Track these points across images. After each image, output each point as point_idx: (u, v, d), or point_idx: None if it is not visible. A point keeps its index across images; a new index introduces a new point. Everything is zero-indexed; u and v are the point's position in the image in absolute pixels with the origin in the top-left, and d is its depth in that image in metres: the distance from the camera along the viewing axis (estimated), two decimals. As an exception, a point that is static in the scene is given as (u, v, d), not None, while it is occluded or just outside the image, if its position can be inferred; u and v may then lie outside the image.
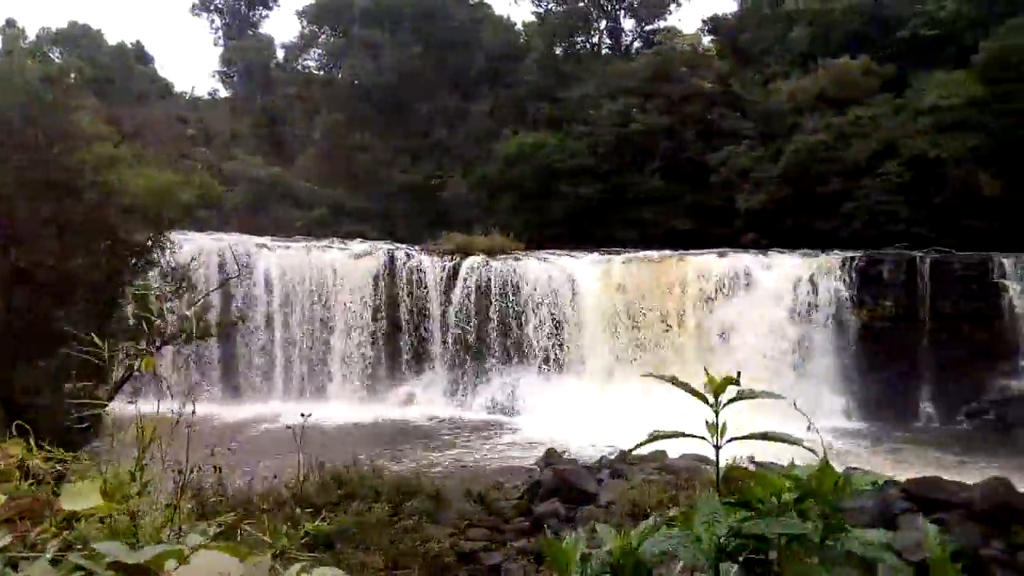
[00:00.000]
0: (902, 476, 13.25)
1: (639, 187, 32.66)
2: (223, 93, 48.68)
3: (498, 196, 35.50)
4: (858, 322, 22.90)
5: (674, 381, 1.92)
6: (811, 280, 23.60)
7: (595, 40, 42.53)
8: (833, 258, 24.12)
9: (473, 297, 25.00)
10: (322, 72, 45.81)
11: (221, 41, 49.65)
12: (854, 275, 23.34)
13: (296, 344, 25.02)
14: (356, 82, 42.24)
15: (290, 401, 23.26)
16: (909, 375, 22.54)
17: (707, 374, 1.85)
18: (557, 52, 40.74)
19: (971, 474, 13.98)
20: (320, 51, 46.07)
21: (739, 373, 1.89)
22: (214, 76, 53.03)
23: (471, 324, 24.92)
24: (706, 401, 1.82)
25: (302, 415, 4.73)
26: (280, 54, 47.11)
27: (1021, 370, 21.80)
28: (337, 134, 39.45)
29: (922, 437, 20.25)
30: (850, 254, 24.12)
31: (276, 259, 25.24)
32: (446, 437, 20.20)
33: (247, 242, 25.43)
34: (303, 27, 45.70)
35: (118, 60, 44.36)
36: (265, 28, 51.51)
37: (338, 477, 11.13)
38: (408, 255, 26.17)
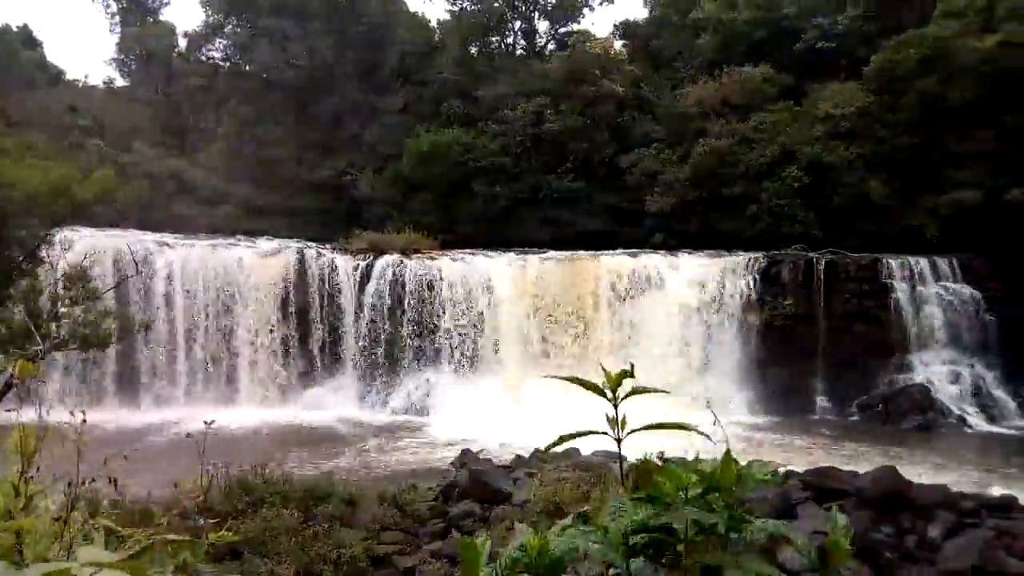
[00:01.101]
0: (800, 466, 13.95)
1: (553, 187, 33.06)
2: (120, 83, 46.16)
3: (412, 194, 35.18)
4: (760, 320, 23.93)
5: (573, 380, 1.95)
6: (717, 280, 24.51)
7: (510, 40, 42.77)
8: (737, 259, 25.12)
9: (387, 297, 24.69)
10: (228, 63, 44.11)
11: (117, 28, 47.03)
12: (756, 275, 24.39)
13: (201, 346, 24.04)
14: (264, 75, 40.93)
15: (195, 406, 22.34)
16: (806, 370, 23.75)
17: (603, 370, 1.89)
18: (472, 51, 40.72)
19: (862, 463, 14.85)
20: (226, 41, 44.30)
21: (632, 366, 1.94)
22: (110, 64, 50.21)
23: (385, 324, 24.60)
24: (605, 396, 1.86)
25: (205, 422, 4.53)
26: (183, 43, 45.05)
27: (907, 365, 23.32)
28: (244, 128, 38.11)
29: (818, 429, 21.36)
30: (753, 255, 25.20)
31: (179, 258, 24.17)
32: (360, 440, 19.86)
33: (146, 240, 24.25)
34: (207, 16, 43.86)
35: (1, 43, 41.41)
36: (166, 15, 49.23)
37: (245, 484, 10.77)
38: (319, 254, 25.60)
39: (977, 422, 21.62)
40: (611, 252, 27.20)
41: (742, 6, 34.92)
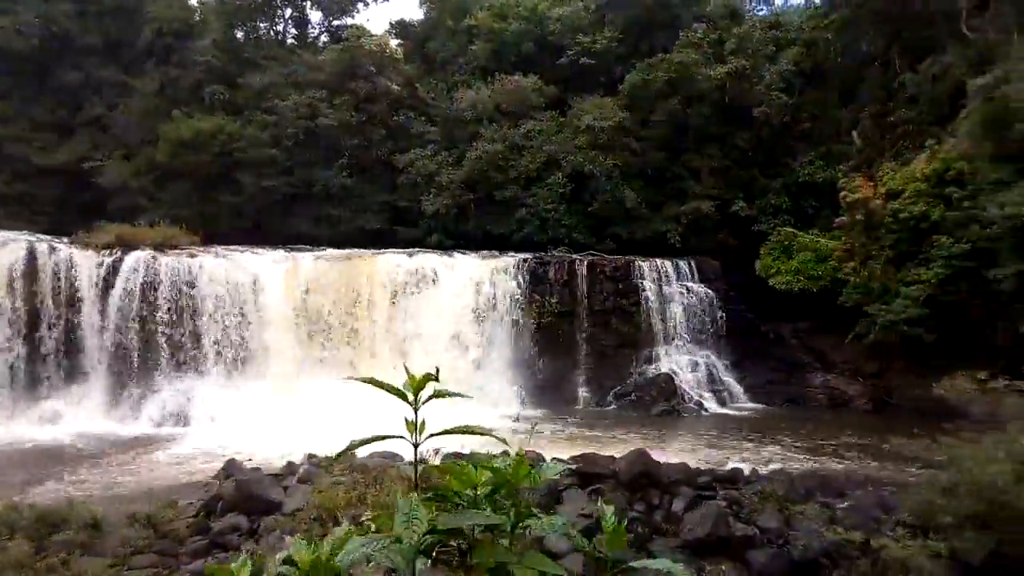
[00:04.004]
0: (565, 454, 14.87)
1: (327, 183, 32.11)
2: None
3: (168, 184, 32.25)
4: (529, 318, 25.17)
5: (375, 383, 1.89)
6: (490, 280, 25.36)
7: (280, 28, 40.80)
8: (508, 259, 26.19)
9: (138, 297, 22.34)
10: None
11: None
12: (526, 275, 25.61)
13: None
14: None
15: None
16: (570, 364, 25.42)
17: (407, 372, 1.85)
18: (238, 35, 38.25)
19: (619, 448, 16.19)
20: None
21: (437, 369, 1.92)
22: None
23: (136, 327, 22.25)
24: (407, 400, 1.82)
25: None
26: None
27: (654, 357, 25.85)
28: (-44, 100, 32.46)
29: (581, 418, 22.92)
30: (522, 256, 26.45)
31: None
32: (105, 456, 17.74)
33: None
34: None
35: None
36: None
37: (-43, 516, 9.17)
38: (53, 248, 22.50)
39: (712, 405, 24.56)
40: (388, 251, 27.04)
41: (512, 17, 36.47)
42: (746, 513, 12.44)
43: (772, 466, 15.77)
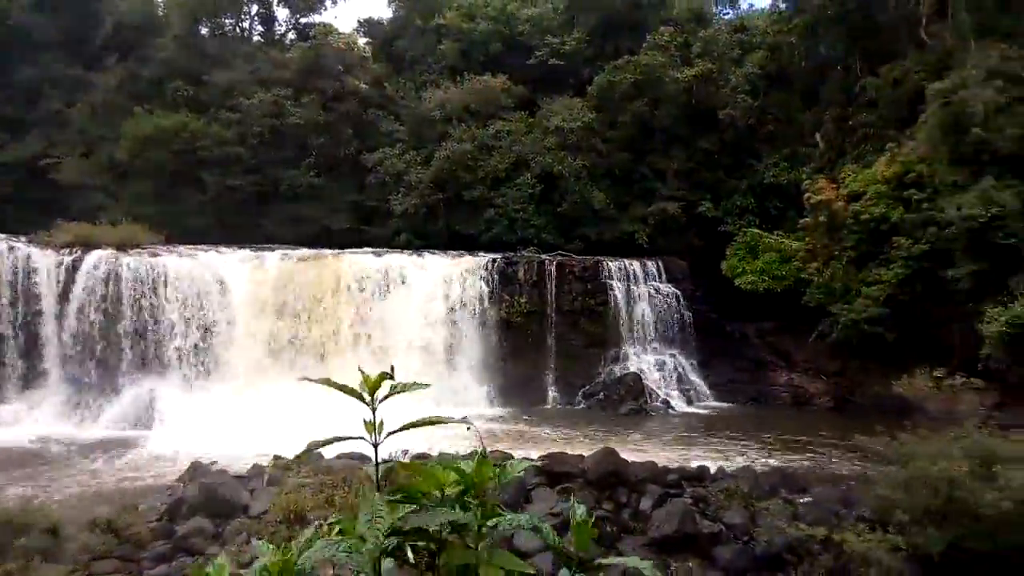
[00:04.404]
0: (535, 454, 14.92)
1: (294, 182, 31.77)
2: None
3: (130, 182, 31.63)
4: (498, 317, 25.19)
5: (328, 383, 1.89)
6: (459, 280, 25.33)
7: (245, 24, 40.28)
8: (478, 259, 26.18)
9: (100, 297, 21.87)
10: None
11: None
12: (495, 275, 25.62)
13: None
14: (-65, 32, 34.13)
15: None
16: (540, 364, 25.50)
17: (362, 373, 1.85)
18: (202, 31, 37.65)
19: (587, 447, 16.28)
20: None
21: (393, 368, 1.93)
22: None
23: (96, 328, 21.78)
24: (363, 400, 1.82)
25: None
26: None
27: (623, 357, 26.03)
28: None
29: (550, 417, 23.01)
30: (492, 256, 26.46)
31: None
32: (66, 460, 17.34)
33: None
34: None
35: None
36: None
37: (-92, 524, 8.90)
38: (10, 247, 21.93)
39: (679, 404, 24.82)
40: (355, 251, 26.85)
41: (480, 17, 36.45)
42: (712, 510, 12.62)
43: (738, 463, 16.00)
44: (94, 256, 22.23)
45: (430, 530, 1.79)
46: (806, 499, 13.01)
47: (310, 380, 2.01)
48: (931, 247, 21.94)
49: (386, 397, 1.84)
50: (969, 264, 20.54)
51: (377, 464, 1.91)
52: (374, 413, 1.82)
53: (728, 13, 42.32)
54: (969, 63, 21.52)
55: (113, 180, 31.84)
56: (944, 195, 21.78)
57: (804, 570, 10.75)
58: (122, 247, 22.96)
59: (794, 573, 10.84)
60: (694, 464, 15.38)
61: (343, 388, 1.84)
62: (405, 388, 1.87)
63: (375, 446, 1.85)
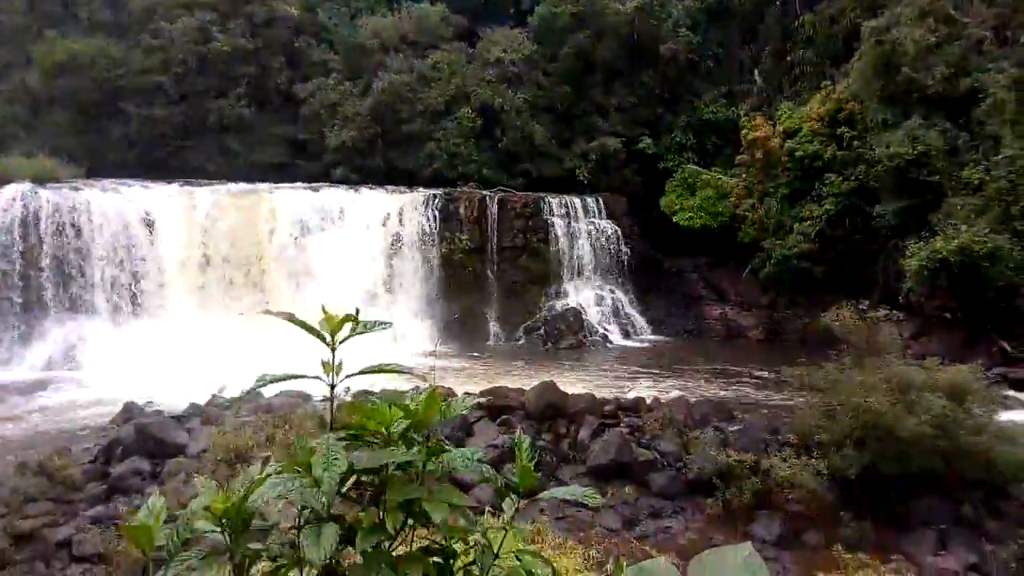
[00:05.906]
0: (477, 389, 15.10)
1: (223, 114, 30.37)
2: None
3: (45, 112, 29.74)
4: (439, 255, 25.02)
5: (292, 319, 1.83)
6: (398, 216, 24.95)
7: (165, -58, 37.58)
8: (417, 195, 25.79)
9: (17, 234, 20.75)
10: None
11: None
12: (436, 211, 25.32)
13: None
14: None
15: None
16: (481, 300, 25.58)
17: (324, 312, 1.80)
18: (117, -52, 35.05)
19: (528, 381, 16.55)
20: None
21: (358, 311, 1.88)
22: None
23: (15, 267, 20.74)
24: (324, 340, 1.77)
25: None
26: None
27: (563, 293, 26.33)
28: None
29: (491, 354, 23.25)
30: (432, 192, 26.08)
31: None
32: (-13, 403, 16.72)
33: None
34: None
35: None
36: None
37: None
38: (-85, 181, 20.51)
39: (617, 338, 25.38)
40: (290, 185, 26.06)
41: (418, -58, 34.91)
42: (647, 439, 13.08)
43: (672, 394, 16.56)
44: (10, 190, 20.96)
45: (377, 468, 1.79)
46: (736, 427, 13.59)
47: (272, 314, 1.94)
48: (860, 184, 22.65)
49: (347, 338, 1.80)
50: (894, 201, 21.32)
51: (332, 404, 1.87)
52: (333, 353, 1.78)
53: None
54: (902, 1, 21.85)
55: (26, 110, 29.89)
56: (874, 133, 22.39)
57: (732, 494, 11.33)
58: (39, 181, 21.71)
59: (723, 497, 11.41)
60: (630, 395, 15.83)
61: (305, 326, 1.79)
62: (367, 329, 1.83)
63: (331, 387, 1.81)
